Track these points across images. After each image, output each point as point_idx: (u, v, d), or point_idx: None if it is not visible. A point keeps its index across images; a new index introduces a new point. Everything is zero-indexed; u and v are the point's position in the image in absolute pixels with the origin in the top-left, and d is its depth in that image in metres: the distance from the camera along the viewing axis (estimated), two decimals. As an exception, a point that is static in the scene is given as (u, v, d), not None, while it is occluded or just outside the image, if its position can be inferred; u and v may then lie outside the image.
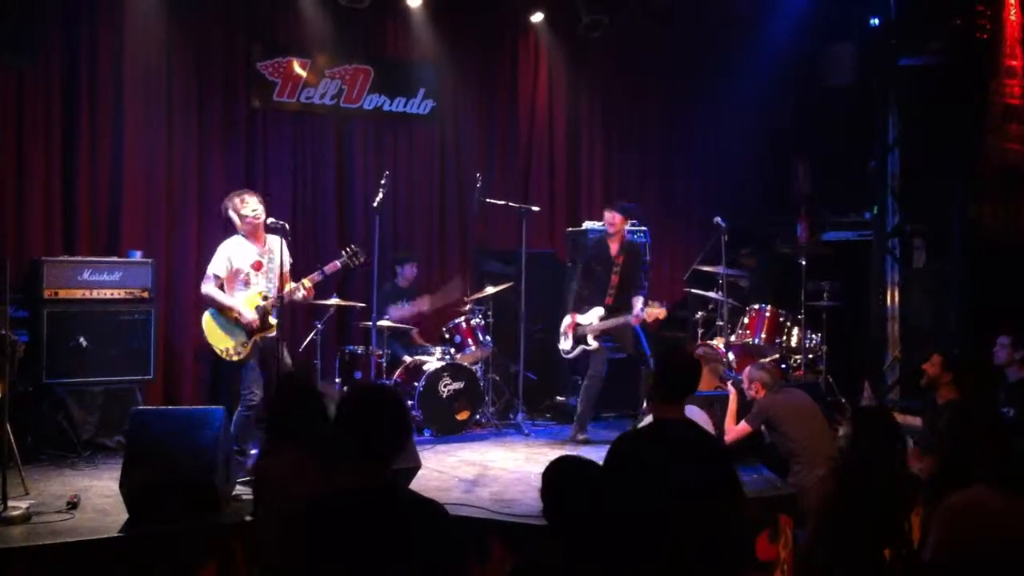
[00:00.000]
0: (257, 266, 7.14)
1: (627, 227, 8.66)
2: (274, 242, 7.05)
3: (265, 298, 7.07)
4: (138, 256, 8.13)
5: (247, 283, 7.13)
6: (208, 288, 7.08)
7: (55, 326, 7.57)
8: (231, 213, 7.17)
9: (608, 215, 8.54)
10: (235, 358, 7.07)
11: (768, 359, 8.65)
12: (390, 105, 10.07)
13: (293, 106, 9.61)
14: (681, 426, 4.24)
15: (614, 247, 8.52)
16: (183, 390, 8.85)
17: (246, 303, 7.05)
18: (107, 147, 8.69)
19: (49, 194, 8.43)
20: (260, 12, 9.46)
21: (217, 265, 7.09)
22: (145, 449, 5.82)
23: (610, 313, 8.39)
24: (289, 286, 7.11)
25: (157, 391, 8.50)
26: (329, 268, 7.32)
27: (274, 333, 7.05)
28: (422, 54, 10.20)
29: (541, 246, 10.25)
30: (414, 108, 10.20)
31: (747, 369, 7.23)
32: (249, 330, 7.04)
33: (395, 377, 8.64)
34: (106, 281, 7.82)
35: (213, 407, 6.45)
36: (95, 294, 7.78)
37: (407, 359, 8.83)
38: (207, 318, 7.15)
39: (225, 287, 7.12)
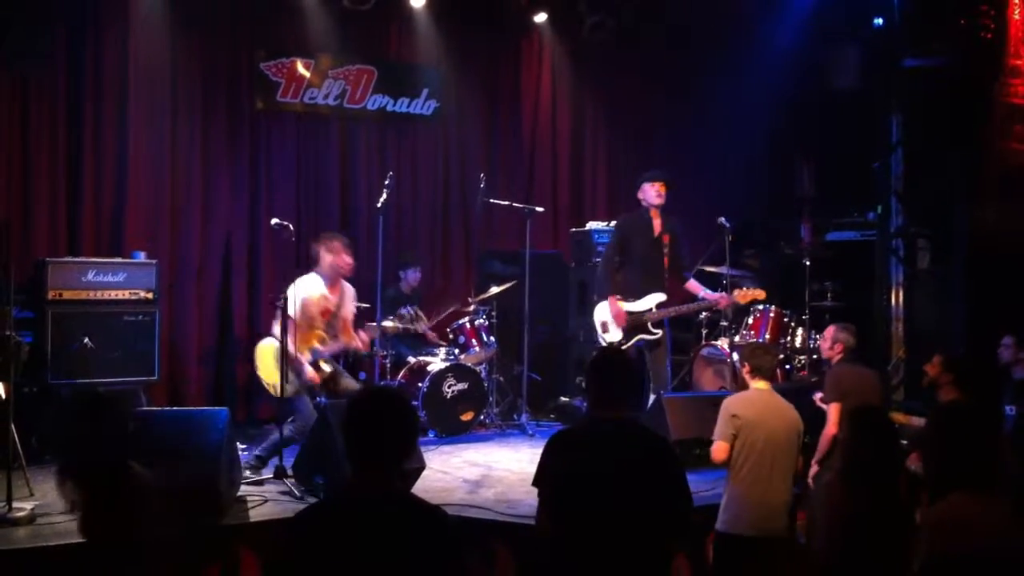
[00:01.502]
0: (325, 313, 7.13)
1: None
2: (346, 290, 7.15)
3: (323, 341, 7.09)
4: (142, 257, 8.14)
5: (311, 326, 7.08)
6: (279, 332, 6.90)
7: (59, 327, 7.57)
8: (324, 252, 7.15)
9: (653, 187, 8.01)
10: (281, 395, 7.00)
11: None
12: (393, 106, 10.09)
13: (296, 107, 9.63)
14: (618, 424, 4.08)
15: (657, 225, 8.04)
16: (187, 391, 8.88)
17: (304, 342, 7.04)
18: (111, 148, 8.72)
19: (54, 195, 8.47)
20: (264, 13, 9.47)
21: (293, 307, 6.91)
22: (149, 451, 5.81)
23: (671, 301, 7.99)
24: (353, 341, 7.23)
25: (161, 392, 8.53)
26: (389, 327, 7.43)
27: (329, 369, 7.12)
28: (425, 55, 10.22)
29: (545, 247, 10.26)
30: (417, 109, 10.22)
31: (830, 328, 6.99)
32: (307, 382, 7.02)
33: (399, 378, 8.65)
34: (110, 282, 7.83)
35: (217, 408, 6.46)
36: (99, 295, 7.78)
37: (411, 360, 8.83)
38: (265, 350, 7.07)
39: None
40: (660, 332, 7.91)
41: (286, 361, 6.74)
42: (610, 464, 3.90)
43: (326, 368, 7.15)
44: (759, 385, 5.51)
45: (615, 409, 4.09)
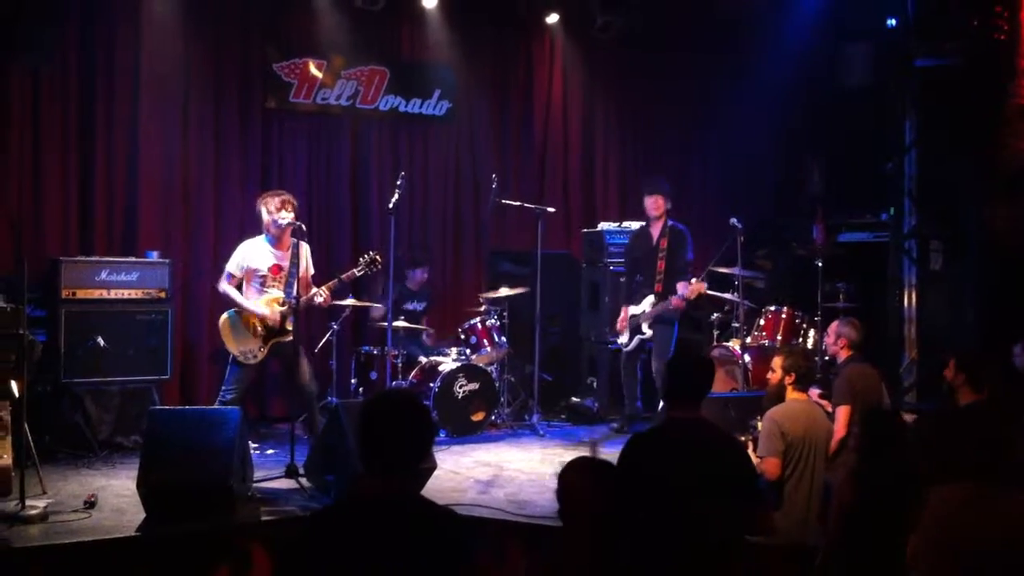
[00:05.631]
0: (276, 270, 7.20)
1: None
2: (297, 247, 7.12)
3: (283, 303, 7.12)
4: (155, 256, 8.16)
5: (263, 285, 7.19)
6: (224, 286, 7.19)
7: (72, 326, 7.59)
8: (263, 211, 7.25)
9: (650, 200, 8.69)
10: (252, 361, 7.16)
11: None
12: (406, 106, 10.09)
13: (309, 107, 9.64)
14: (694, 425, 4.22)
15: (655, 233, 8.67)
16: (200, 390, 8.89)
17: (263, 304, 7.13)
18: (124, 147, 8.74)
19: (66, 194, 8.50)
20: (276, 14, 9.49)
21: (232, 264, 7.19)
22: (162, 449, 5.85)
23: (660, 300, 8.51)
24: (313, 291, 7.20)
25: (174, 391, 8.55)
26: (347, 276, 7.43)
27: (290, 338, 7.10)
28: (438, 55, 10.21)
29: (557, 247, 10.24)
30: (430, 109, 10.22)
31: (834, 324, 6.99)
32: (265, 333, 7.12)
33: (411, 378, 8.65)
34: (123, 281, 7.85)
35: (229, 407, 6.49)
36: (112, 294, 7.80)
37: (423, 360, 8.83)
38: (224, 321, 7.22)
39: (242, 287, 7.22)
40: (650, 332, 8.53)
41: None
42: (690, 465, 3.95)
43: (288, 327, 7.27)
44: (799, 396, 5.46)
45: (691, 409, 4.21)
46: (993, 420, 5.51)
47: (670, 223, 8.68)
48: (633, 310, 8.67)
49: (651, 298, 8.55)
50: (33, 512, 5.61)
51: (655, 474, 3.99)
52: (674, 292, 8.43)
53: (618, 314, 8.89)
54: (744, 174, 11.27)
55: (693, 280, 8.38)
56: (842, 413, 6.25)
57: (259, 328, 7.20)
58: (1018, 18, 9.35)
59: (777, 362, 5.73)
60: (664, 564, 3.83)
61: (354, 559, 2.97)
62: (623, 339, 8.76)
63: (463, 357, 8.79)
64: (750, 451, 5.39)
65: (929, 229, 10.20)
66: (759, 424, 5.78)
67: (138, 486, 5.73)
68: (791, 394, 5.50)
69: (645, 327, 8.54)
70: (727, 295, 9.24)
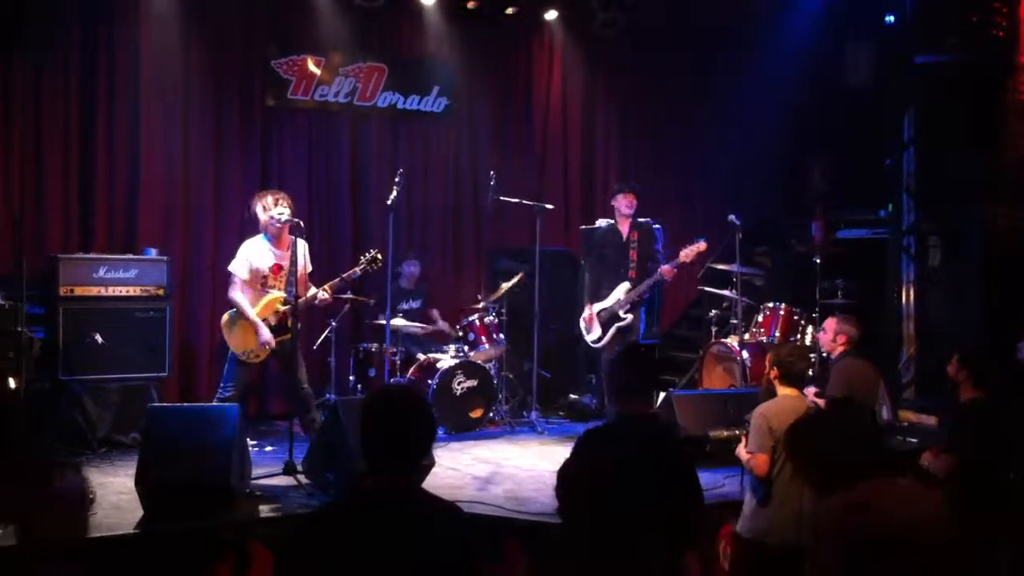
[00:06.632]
0: (276, 269, 7.18)
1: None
2: (295, 245, 7.07)
3: (285, 303, 7.11)
4: (153, 254, 8.15)
5: (265, 285, 7.18)
6: (235, 295, 7.12)
7: (71, 323, 7.58)
8: (259, 210, 7.22)
9: (625, 199, 8.65)
10: (254, 360, 7.15)
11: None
12: (404, 103, 10.08)
13: (308, 104, 9.63)
14: (643, 422, 4.17)
15: (625, 229, 8.67)
16: (198, 387, 8.89)
17: (265, 308, 7.10)
18: (124, 145, 8.74)
19: (67, 192, 8.51)
20: (275, 11, 9.48)
21: (239, 266, 7.13)
22: (161, 446, 5.84)
23: (636, 285, 8.46)
24: (312, 291, 7.17)
25: (173, 388, 8.55)
26: (348, 275, 7.40)
27: (289, 336, 7.09)
28: (436, 52, 10.20)
29: (555, 244, 10.24)
30: (428, 106, 10.21)
31: (831, 320, 6.97)
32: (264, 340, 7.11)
33: (409, 375, 8.64)
34: (122, 278, 7.84)
35: (229, 404, 6.49)
36: (111, 291, 7.79)
37: (421, 357, 8.83)
38: (226, 320, 7.20)
39: (245, 288, 7.19)
40: (631, 317, 8.45)
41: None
42: (633, 462, 3.92)
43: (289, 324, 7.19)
44: (788, 392, 5.42)
45: (643, 405, 4.16)
46: (995, 416, 5.52)
47: (638, 220, 8.73)
48: (598, 306, 8.57)
49: (625, 285, 8.47)
50: (32, 509, 5.60)
51: (607, 471, 3.94)
52: (649, 276, 8.47)
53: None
54: (744, 171, 11.27)
55: (690, 245, 8.32)
56: None
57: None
58: (1017, 14, 9.36)
59: (768, 358, 5.72)
60: (613, 564, 3.80)
61: (357, 556, 2.96)
62: (594, 335, 8.58)
63: (461, 354, 8.79)
64: (742, 446, 5.38)
65: (928, 225, 10.20)
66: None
67: (136, 483, 5.73)
68: (781, 389, 5.45)
69: (622, 312, 8.45)
70: (726, 292, 9.24)
